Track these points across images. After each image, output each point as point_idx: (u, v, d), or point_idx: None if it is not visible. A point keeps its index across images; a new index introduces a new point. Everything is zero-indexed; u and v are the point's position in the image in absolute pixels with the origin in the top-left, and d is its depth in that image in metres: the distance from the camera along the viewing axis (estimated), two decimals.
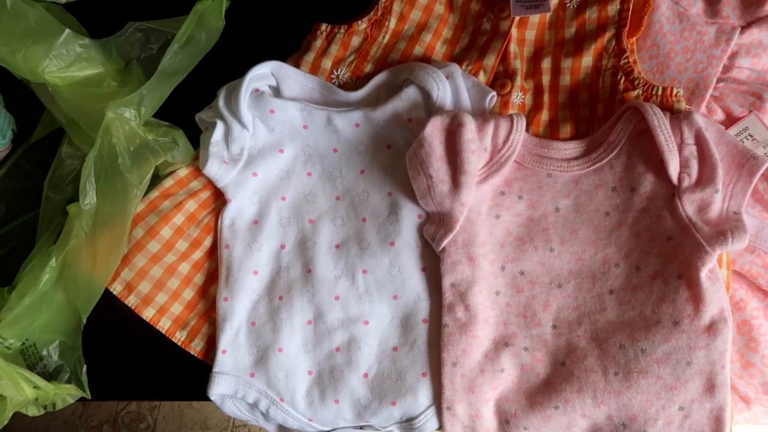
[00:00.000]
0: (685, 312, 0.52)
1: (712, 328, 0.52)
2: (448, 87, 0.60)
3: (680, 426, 0.53)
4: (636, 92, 0.59)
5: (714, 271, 0.53)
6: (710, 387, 0.52)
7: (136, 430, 1.43)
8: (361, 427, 0.62)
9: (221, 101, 0.61)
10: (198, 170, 0.63)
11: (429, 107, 0.61)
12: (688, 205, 0.54)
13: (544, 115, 0.62)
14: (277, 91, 0.64)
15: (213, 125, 0.62)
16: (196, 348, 0.62)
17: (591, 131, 0.61)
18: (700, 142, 0.55)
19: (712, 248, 0.52)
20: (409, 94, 0.61)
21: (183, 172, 0.63)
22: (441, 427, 0.58)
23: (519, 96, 0.62)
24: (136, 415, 1.44)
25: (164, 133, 0.57)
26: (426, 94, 0.61)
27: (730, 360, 0.52)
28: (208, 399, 0.61)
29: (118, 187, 0.54)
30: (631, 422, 0.54)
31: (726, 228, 0.52)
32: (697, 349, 0.52)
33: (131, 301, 0.61)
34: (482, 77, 0.63)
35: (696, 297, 0.52)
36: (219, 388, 0.60)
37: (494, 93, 0.61)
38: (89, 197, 0.53)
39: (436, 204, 0.57)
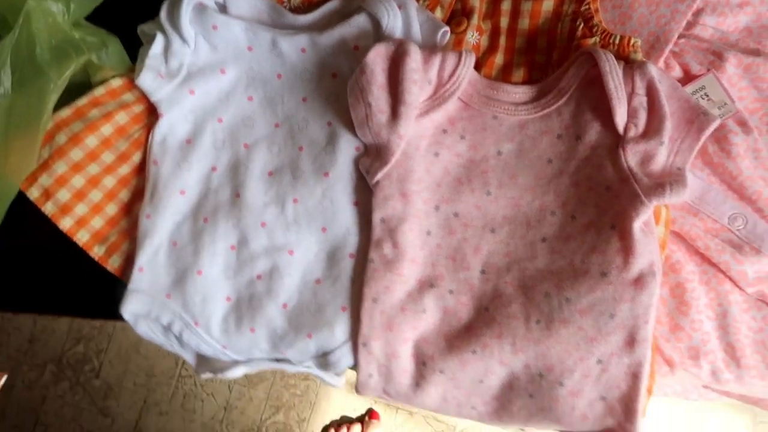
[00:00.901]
0: (614, 263, 0.51)
1: (640, 281, 0.50)
2: (400, 17, 0.57)
3: (597, 380, 0.51)
4: (593, 39, 0.56)
5: (649, 224, 0.51)
6: (631, 341, 0.50)
7: (81, 372, 1.41)
8: (278, 360, 0.59)
9: (163, 13, 0.59)
10: (133, 83, 0.60)
11: (378, 36, 0.58)
12: (631, 156, 0.52)
13: (499, 59, 0.60)
14: (224, 9, 0.61)
15: (154, 38, 0.59)
16: (113, 264, 0.60)
17: (544, 78, 0.58)
18: (652, 93, 0.53)
19: (648, 199, 0.50)
20: (359, 21, 0.58)
21: (116, 82, 0.60)
22: (356, 364, 0.56)
23: (474, 36, 0.60)
24: (82, 356, 1.41)
25: (92, 33, 0.54)
26: (376, 23, 0.58)
27: (654, 316, 0.50)
28: (122, 318, 0.59)
29: (34, 81, 0.51)
30: (548, 372, 0.52)
31: (665, 181, 0.50)
32: (622, 301, 0.50)
33: (48, 209, 0.58)
34: (438, 13, 0.60)
35: (626, 248, 0.50)
36: (132, 307, 0.58)
37: (447, 29, 0.58)
38: (3, 87, 0.50)
39: (374, 134, 0.55)
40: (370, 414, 1.31)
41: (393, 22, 0.57)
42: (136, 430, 1.38)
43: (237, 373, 0.60)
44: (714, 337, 0.55)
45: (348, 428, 1.30)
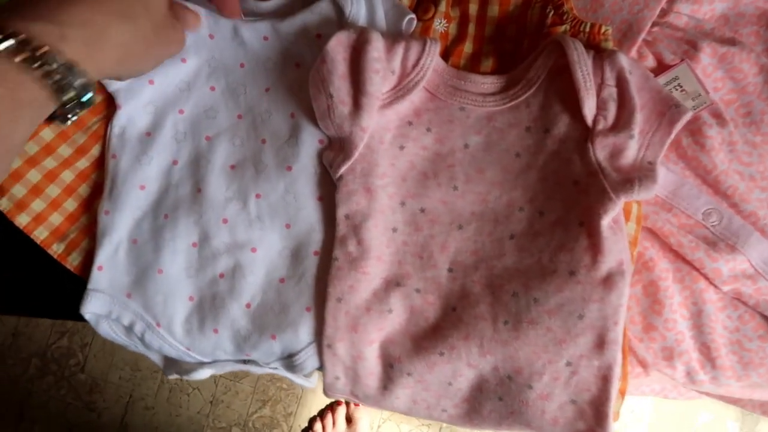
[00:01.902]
0: (582, 262, 0.49)
1: (609, 280, 0.48)
2: (363, 3, 0.55)
3: (566, 382, 0.49)
4: (563, 27, 0.54)
5: (618, 222, 0.50)
6: (600, 343, 0.49)
7: (66, 366, 1.40)
8: (244, 362, 0.58)
9: None
10: None
11: (342, 24, 0.56)
12: (600, 150, 0.50)
13: (467, 47, 0.58)
14: None
15: None
16: (72, 263, 0.58)
17: (514, 68, 0.56)
18: (622, 84, 0.51)
19: (616, 195, 0.48)
20: (322, 8, 0.56)
21: None
22: (321, 365, 0.55)
23: (442, 23, 0.58)
24: (66, 350, 1.40)
25: None
26: (339, 10, 0.56)
27: (624, 316, 0.49)
28: (82, 318, 0.57)
29: None
30: (516, 375, 0.50)
31: (635, 176, 0.48)
32: (590, 302, 0.48)
33: (3, 205, 0.56)
34: (406, 0, 0.58)
35: (595, 247, 0.49)
36: (92, 307, 0.56)
37: (413, 16, 0.56)
38: None
39: (336, 127, 0.53)
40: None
41: (356, 9, 0.55)
42: (123, 425, 1.38)
43: (203, 374, 0.59)
44: (688, 337, 0.53)
45: (333, 412, 1.30)
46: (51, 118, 0.42)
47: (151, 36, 0.47)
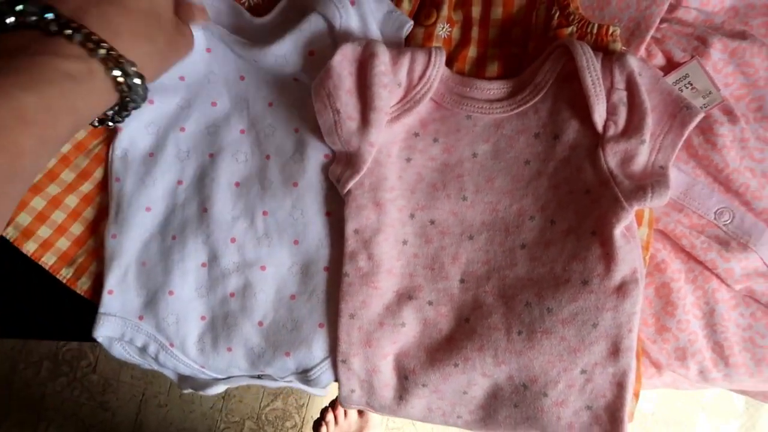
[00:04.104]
0: (595, 271, 0.49)
1: (622, 289, 0.48)
2: (353, 13, 0.54)
3: (581, 390, 0.50)
4: (570, 29, 0.53)
5: (630, 229, 0.49)
6: (615, 351, 0.49)
7: (78, 368, 1.41)
8: (259, 376, 0.58)
9: None
10: None
11: (334, 37, 0.54)
12: (611, 157, 0.49)
13: (471, 52, 0.57)
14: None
15: None
16: (82, 287, 0.58)
17: (520, 71, 0.55)
18: (632, 87, 0.50)
19: (629, 204, 0.48)
20: (311, 23, 0.54)
21: None
22: (337, 379, 0.55)
23: (445, 28, 0.57)
24: (77, 352, 1.41)
25: None
26: (330, 24, 0.54)
27: (638, 323, 0.49)
28: (93, 340, 0.57)
29: None
30: (531, 384, 0.50)
31: (647, 183, 0.48)
32: (604, 310, 0.48)
33: (9, 234, 0.56)
34: (406, 5, 0.57)
35: (608, 255, 0.48)
36: (105, 330, 0.56)
37: (411, 24, 0.55)
38: None
39: (343, 142, 0.52)
40: None
41: (346, 20, 0.53)
42: (137, 423, 1.39)
43: (218, 390, 0.60)
44: (701, 336, 0.53)
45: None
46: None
47: (165, 50, 0.46)
